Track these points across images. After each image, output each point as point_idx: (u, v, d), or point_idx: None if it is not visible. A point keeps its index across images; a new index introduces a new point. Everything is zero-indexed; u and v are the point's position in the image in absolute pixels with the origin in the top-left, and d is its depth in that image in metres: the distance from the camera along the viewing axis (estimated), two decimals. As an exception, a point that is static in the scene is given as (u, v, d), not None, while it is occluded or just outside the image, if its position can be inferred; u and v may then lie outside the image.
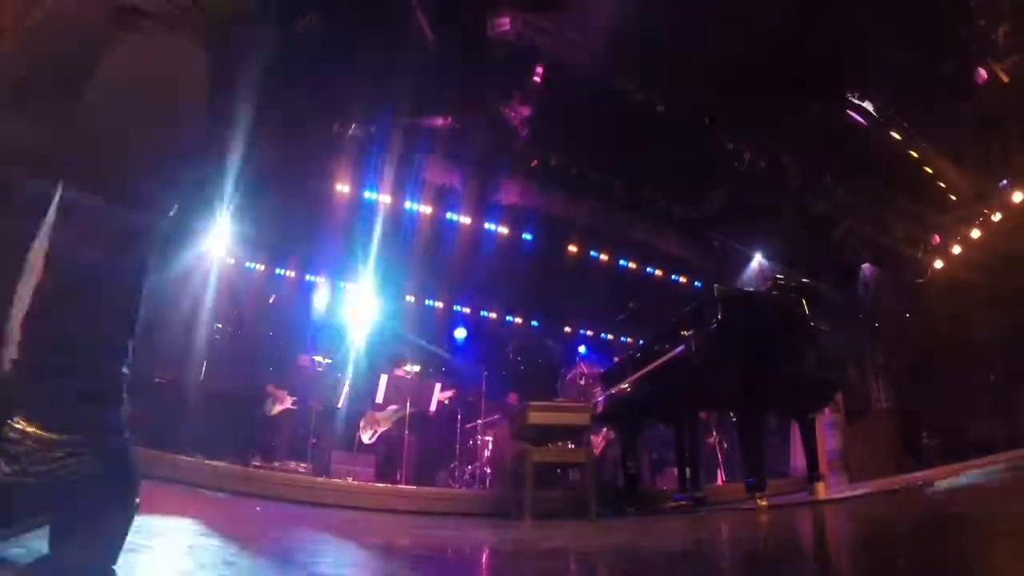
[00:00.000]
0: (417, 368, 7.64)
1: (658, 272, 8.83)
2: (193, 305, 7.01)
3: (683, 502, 4.24)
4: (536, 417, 4.41)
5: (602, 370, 5.93)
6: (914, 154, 6.08)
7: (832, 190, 6.84)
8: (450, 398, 7.06)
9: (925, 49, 5.20)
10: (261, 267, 7.99)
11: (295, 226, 7.36)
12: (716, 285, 3.88)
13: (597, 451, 6.52)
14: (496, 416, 7.08)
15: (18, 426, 0.85)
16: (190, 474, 3.91)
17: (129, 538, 0.90)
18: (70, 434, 0.85)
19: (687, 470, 4.46)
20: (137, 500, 0.92)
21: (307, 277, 8.37)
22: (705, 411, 5.63)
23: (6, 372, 0.90)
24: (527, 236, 7.95)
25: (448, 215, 7.59)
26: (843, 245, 7.21)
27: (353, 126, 6.49)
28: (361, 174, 6.90)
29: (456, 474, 6.85)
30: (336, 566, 1.63)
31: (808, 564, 1.52)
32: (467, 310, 9.37)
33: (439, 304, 9.14)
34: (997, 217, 6.33)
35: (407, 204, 7.36)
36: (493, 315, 9.56)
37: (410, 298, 8.80)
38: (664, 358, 4.03)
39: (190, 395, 6.14)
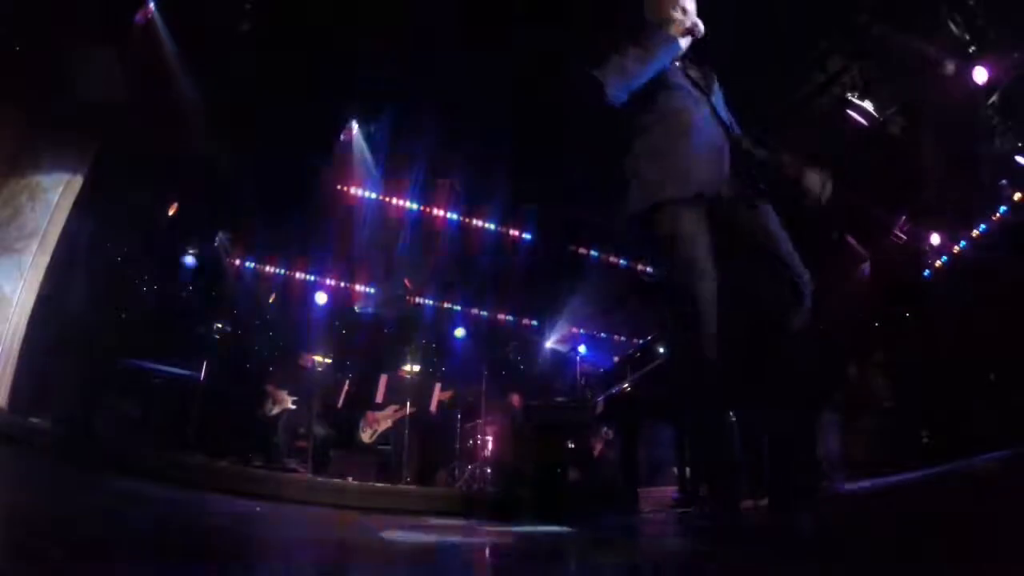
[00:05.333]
0: (417, 368, 7.65)
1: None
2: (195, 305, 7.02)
3: (682, 502, 4.24)
4: (536, 417, 4.42)
5: (602, 370, 5.93)
6: (914, 153, 6.07)
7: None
8: (450, 398, 7.06)
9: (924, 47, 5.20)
10: (261, 266, 7.99)
11: (296, 225, 7.36)
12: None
13: (597, 451, 6.52)
14: (496, 416, 7.08)
15: None
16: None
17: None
18: None
19: (687, 470, 4.45)
20: None
21: (307, 276, 8.38)
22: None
23: None
24: (527, 236, 7.95)
25: (448, 214, 7.59)
26: (842, 244, 7.19)
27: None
28: (362, 173, 6.89)
29: (456, 474, 6.85)
30: (335, 566, 1.63)
31: (805, 563, 1.51)
32: (467, 310, 9.36)
33: (439, 303, 9.14)
34: (997, 216, 6.32)
35: (408, 204, 7.36)
36: (493, 315, 9.56)
37: (412, 298, 8.80)
38: (664, 358, 4.03)
39: (190, 395, 6.15)
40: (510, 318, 9.72)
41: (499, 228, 7.83)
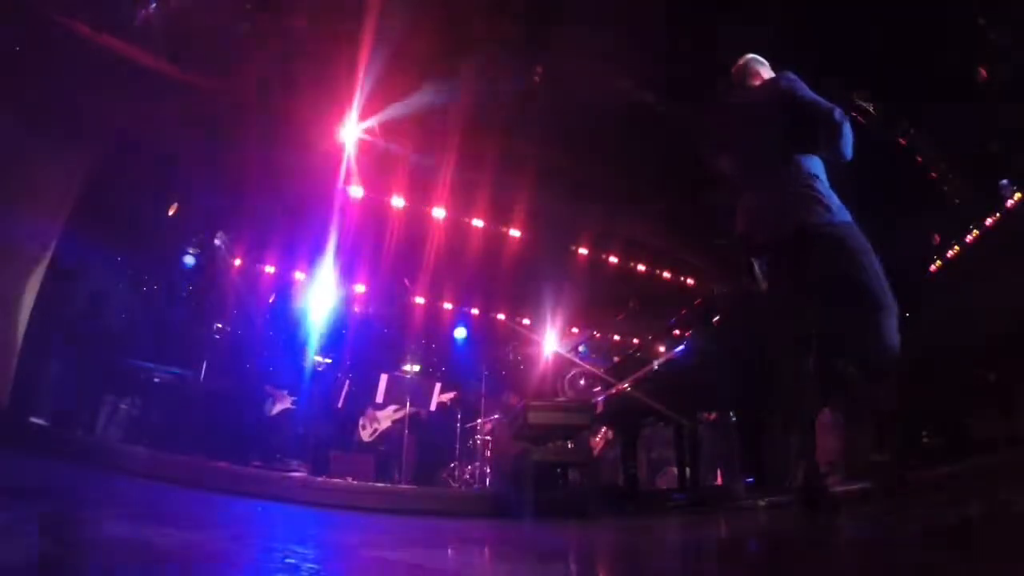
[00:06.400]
0: (417, 368, 7.65)
1: (658, 272, 8.82)
2: (195, 305, 7.01)
3: (682, 502, 4.24)
4: (536, 417, 4.42)
5: (602, 370, 5.92)
6: (914, 153, 6.07)
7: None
8: (451, 399, 7.06)
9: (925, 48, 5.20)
10: (262, 267, 7.99)
11: (297, 226, 7.36)
12: (716, 285, 3.89)
13: (597, 451, 6.52)
14: (496, 416, 7.08)
15: None
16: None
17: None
18: None
19: (687, 470, 4.45)
20: None
21: (308, 277, 8.36)
22: (705, 411, 5.62)
23: None
24: (527, 236, 7.94)
25: (450, 215, 7.58)
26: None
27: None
28: (364, 174, 6.88)
29: (456, 474, 6.85)
30: (337, 567, 1.63)
31: (805, 563, 1.52)
32: (468, 309, 9.36)
33: (440, 303, 9.13)
34: (997, 216, 6.31)
35: (409, 205, 7.35)
36: (493, 314, 9.56)
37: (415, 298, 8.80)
38: (664, 358, 4.03)
39: (190, 395, 6.15)
40: (509, 318, 9.72)
41: (499, 227, 7.82)
